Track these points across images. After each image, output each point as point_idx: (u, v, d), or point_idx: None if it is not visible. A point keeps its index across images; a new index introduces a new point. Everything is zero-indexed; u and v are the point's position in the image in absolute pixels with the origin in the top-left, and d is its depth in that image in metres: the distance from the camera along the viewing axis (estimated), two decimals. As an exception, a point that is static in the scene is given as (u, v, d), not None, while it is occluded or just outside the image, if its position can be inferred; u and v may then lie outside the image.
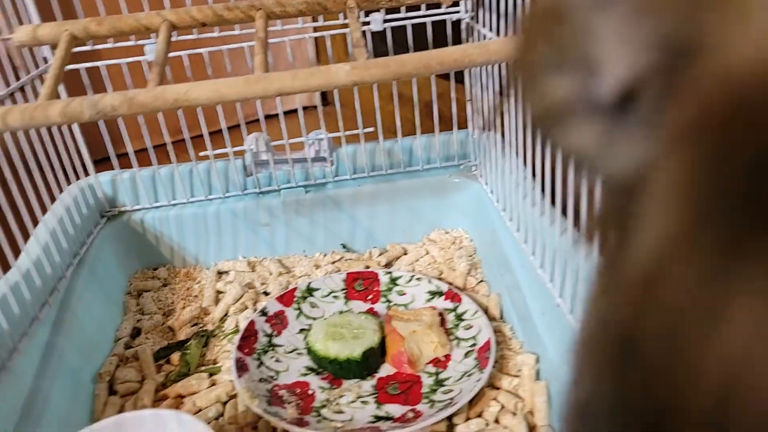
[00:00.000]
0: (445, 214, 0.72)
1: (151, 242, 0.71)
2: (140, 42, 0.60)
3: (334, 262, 0.70)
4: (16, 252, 0.52)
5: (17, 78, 0.55)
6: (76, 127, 0.64)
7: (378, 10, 0.57)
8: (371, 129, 0.67)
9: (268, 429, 0.48)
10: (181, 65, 0.61)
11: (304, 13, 0.52)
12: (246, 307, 0.64)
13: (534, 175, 0.58)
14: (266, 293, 0.66)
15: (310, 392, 0.51)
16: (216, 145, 0.66)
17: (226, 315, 0.64)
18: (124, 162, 0.67)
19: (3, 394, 0.44)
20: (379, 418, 0.47)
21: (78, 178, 0.65)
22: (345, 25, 0.62)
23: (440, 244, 0.71)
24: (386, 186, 0.70)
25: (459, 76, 0.66)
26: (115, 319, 0.63)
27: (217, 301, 0.66)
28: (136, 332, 0.62)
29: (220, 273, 0.70)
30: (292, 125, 0.67)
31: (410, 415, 0.47)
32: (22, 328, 0.49)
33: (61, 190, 0.63)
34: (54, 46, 0.57)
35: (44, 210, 0.59)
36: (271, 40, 0.63)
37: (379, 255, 0.71)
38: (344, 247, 0.72)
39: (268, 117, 0.67)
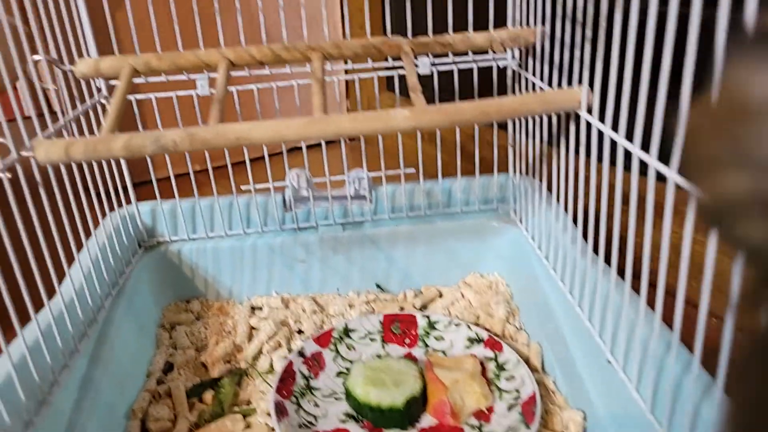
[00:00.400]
0: (482, 257, 0.71)
1: (186, 274, 0.70)
2: (192, 76, 0.61)
3: (368, 302, 0.69)
4: (60, 274, 0.52)
5: (47, 101, 0.56)
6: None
7: (428, 54, 0.57)
8: (412, 170, 0.67)
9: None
10: (230, 100, 0.62)
11: (359, 55, 0.53)
12: (280, 345, 0.63)
13: (576, 222, 0.57)
14: (300, 331, 0.65)
15: (349, 439, 0.49)
16: (257, 172, 0.66)
17: (259, 352, 0.63)
18: (165, 185, 0.67)
19: (43, 428, 0.43)
20: (422, 472, 0.46)
21: (120, 202, 0.65)
22: (374, 68, 0.62)
23: (476, 288, 0.70)
24: (424, 227, 0.70)
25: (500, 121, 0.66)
26: (148, 352, 0.63)
27: (250, 337, 0.65)
28: (168, 367, 0.62)
29: (253, 308, 0.70)
30: (333, 158, 0.67)
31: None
32: (62, 360, 0.49)
33: (103, 213, 0.63)
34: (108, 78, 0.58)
35: (87, 232, 0.58)
36: (300, 81, 0.64)
37: (414, 297, 0.70)
38: (379, 287, 0.71)
39: (309, 147, 0.67)
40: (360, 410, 0.51)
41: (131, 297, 0.63)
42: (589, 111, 0.44)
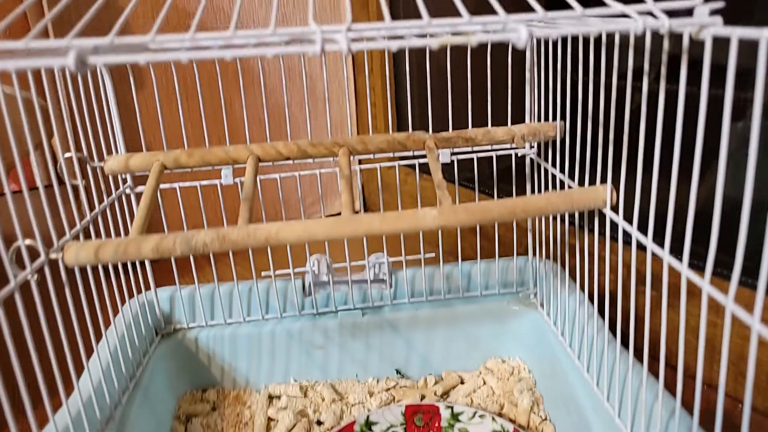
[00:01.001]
0: (503, 342, 0.70)
1: (203, 362, 0.69)
2: (217, 166, 0.62)
3: (388, 389, 0.68)
4: (78, 367, 0.51)
5: (75, 197, 0.57)
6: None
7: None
8: (432, 254, 0.68)
9: None
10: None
11: (384, 150, 0.54)
12: (299, 438, 0.62)
13: (602, 314, 0.57)
14: (319, 422, 0.64)
15: None
16: (277, 256, 0.66)
17: (278, 446, 0.61)
18: (183, 264, 0.67)
19: None
20: None
21: (138, 286, 0.64)
22: (390, 158, 0.64)
23: (498, 374, 0.68)
24: (444, 311, 0.70)
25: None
26: (164, 447, 0.61)
27: (268, 428, 0.64)
28: (185, 462, 0.60)
29: (271, 397, 0.68)
30: (353, 242, 0.68)
31: None
32: None
33: (122, 295, 0.62)
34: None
35: (105, 318, 0.57)
36: (323, 170, 0.65)
37: (435, 384, 0.68)
38: (398, 372, 0.70)
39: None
40: None
41: (147, 389, 0.61)
42: (614, 209, 0.45)
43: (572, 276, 0.63)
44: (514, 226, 0.67)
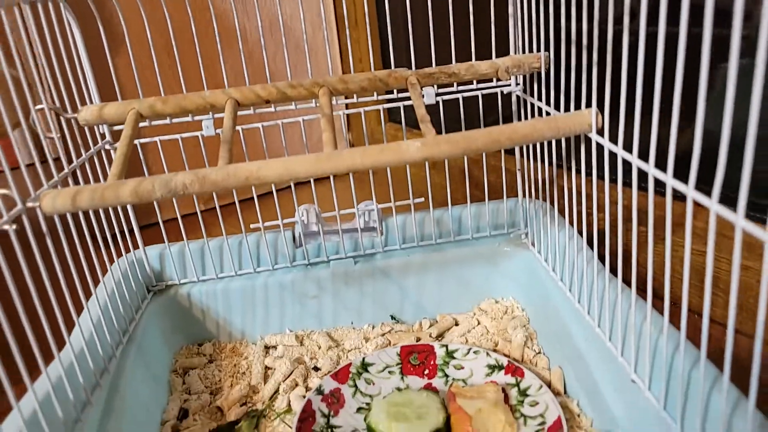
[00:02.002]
0: (496, 282, 0.70)
1: (197, 317, 0.70)
2: (198, 118, 0.61)
3: (383, 334, 0.68)
4: (69, 324, 0.50)
5: (51, 150, 0.56)
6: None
7: (432, 85, 0.58)
8: (421, 199, 0.67)
9: None
10: (237, 139, 0.62)
11: (365, 89, 0.53)
12: (297, 384, 0.62)
13: (591, 245, 0.57)
14: (316, 368, 0.64)
15: (376, 478, 0.48)
16: (266, 209, 0.66)
17: (276, 392, 0.62)
18: (172, 226, 0.67)
19: None
20: (452, 508, 0.44)
21: (127, 247, 0.64)
22: (377, 101, 0.63)
23: (491, 313, 0.69)
24: (436, 255, 0.70)
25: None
26: (162, 399, 0.61)
27: (266, 377, 0.64)
28: (183, 414, 0.60)
29: (267, 347, 0.69)
30: (341, 191, 0.67)
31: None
32: (75, 413, 0.48)
33: (110, 259, 0.62)
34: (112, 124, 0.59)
35: (95, 279, 0.57)
36: (306, 117, 0.64)
37: (430, 326, 0.69)
38: (393, 318, 0.71)
39: (317, 181, 0.67)
40: (384, 446, 0.50)
41: (141, 343, 0.62)
42: (600, 133, 0.45)
43: (561, 214, 0.63)
44: (503, 171, 0.67)
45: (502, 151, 0.66)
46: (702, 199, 0.33)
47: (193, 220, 0.67)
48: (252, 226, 0.67)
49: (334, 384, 0.58)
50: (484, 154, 0.66)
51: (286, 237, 0.69)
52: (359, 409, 0.56)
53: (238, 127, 0.62)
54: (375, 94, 0.59)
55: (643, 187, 0.41)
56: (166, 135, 0.63)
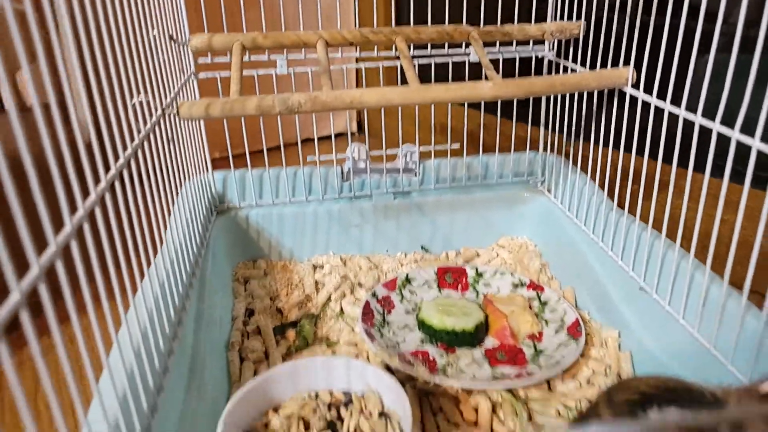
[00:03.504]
0: (514, 223, 0.82)
1: (252, 237, 0.79)
2: (273, 57, 0.69)
3: (415, 261, 0.79)
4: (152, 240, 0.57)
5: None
6: (203, 126, 0.73)
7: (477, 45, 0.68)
8: (457, 145, 0.78)
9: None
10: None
11: (435, 40, 0.63)
12: (344, 295, 0.72)
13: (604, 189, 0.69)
14: (360, 284, 0.75)
15: (431, 358, 0.59)
16: (323, 151, 0.75)
17: (328, 300, 0.72)
18: (240, 162, 0.76)
19: (177, 355, 0.50)
20: (495, 377, 0.56)
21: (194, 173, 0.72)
22: (383, 58, 0.72)
23: (509, 248, 0.80)
24: (464, 196, 0.80)
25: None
26: (230, 301, 0.70)
27: (317, 289, 0.74)
28: (249, 313, 0.70)
29: (314, 267, 0.78)
30: (390, 131, 0.77)
31: (524, 373, 0.55)
32: (180, 304, 0.55)
33: (180, 183, 0.70)
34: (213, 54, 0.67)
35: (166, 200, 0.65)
36: (347, 66, 0.73)
37: (456, 256, 0.80)
38: (423, 248, 0.81)
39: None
40: (435, 335, 0.61)
41: (214, 255, 0.70)
42: (635, 86, 0.56)
43: (575, 164, 0.75)
44: (529, 126, 0.78)
45: (530, 122, 0.77)
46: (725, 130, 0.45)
47: (259, 157, 0.75)
48: (309, 158, 0.76)
49: (385, 291, 0.68)
50: (513, 122, 0.77)
51: (336, 171, 0.78)
52: (406, 311, 0.67)
53: (291, 69, 0.71)
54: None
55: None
56: (243, 71, 0.71)
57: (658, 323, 0.56)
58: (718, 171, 0.45)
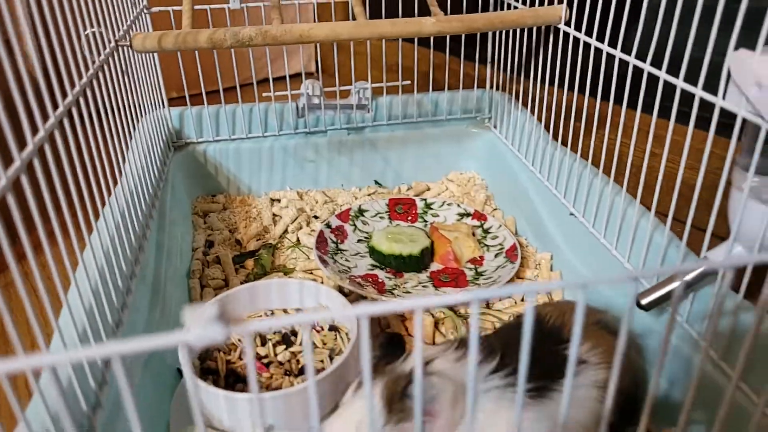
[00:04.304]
0: (462, 158, 0.86)
1: (210, 172, 0.81)
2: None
3: (369, 194, 0.83)
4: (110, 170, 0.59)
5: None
6: (157, 63, 0.73)
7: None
8: (408, 82, 0.81)
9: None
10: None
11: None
12: (301, 227, 0.76)
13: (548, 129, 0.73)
14: (316, 217, 0.78)
15: (380, 280, 0.64)
16: (277, 89, 0.77)
17: (285, 232, 0.75)
18: (196, 101, 0.77)
19: (140, 281, 0.54)
20: (438, 296, 0.61)
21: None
22: None
23: (457, 182, 0.85)
24: (415, 132, 0.84)
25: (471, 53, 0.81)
26: (190, 232, 0.73)
27: (274, 221, 0.77)
28: (209, 244, 0.73)
29: (272, 200, 0.82)
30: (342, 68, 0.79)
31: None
32: (140, 230, 0.58)
33: (136, 119, 0.71)
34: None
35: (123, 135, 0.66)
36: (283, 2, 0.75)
37: (408, 190, 0.84)
38: (377, 182, 0.85)
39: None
40: (384, 261, 0.66)
41: (173, 189, 0.73)
42: (568, 24, 0.59)
43: (519, 101, 0.79)
44: (476, 65, 0.81)
45: (477, 60, 0.80)
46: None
47: (215, 97, 0.76)
48: (264, 94, 0.78)
49: (339, 222, 0.72)
50: (462, 60, 0.79)
51: (292, 108, 0.80)
52: (359, 240, 0.71)
53: (261, 4, 0.72)
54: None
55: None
56: (196, 5, 0.72)
57: (585, 245, 0.62)
58: (649, 109, 0.50)
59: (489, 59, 0.82)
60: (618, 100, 0.54)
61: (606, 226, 0.58)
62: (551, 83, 0.66)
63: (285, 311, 0.55)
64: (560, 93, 0.66)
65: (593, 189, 0.61)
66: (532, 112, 0.74)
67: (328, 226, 0.71)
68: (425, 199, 0.77)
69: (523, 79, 0.75)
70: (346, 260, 0.67)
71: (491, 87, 0.84)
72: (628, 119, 0.53)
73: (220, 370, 0.49)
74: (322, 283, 0.65)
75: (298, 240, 0.74)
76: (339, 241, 0.70)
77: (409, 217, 0.76)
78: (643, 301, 0.45)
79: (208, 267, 0.69)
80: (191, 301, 0.64)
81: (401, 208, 0.76)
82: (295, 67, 0.76)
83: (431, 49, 0.78)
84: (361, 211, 0.75)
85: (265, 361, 0.50)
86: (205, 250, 0.72)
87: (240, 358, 0.50)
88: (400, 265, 0.65)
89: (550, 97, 0.69)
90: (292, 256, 0.71)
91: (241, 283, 0.67)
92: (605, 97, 0.56)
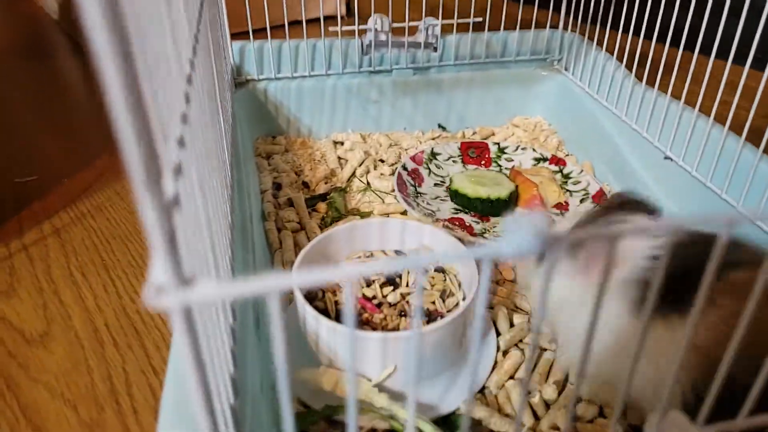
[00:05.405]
0: (528, 102, 0.83)
1: (271, 111, 0.77)
2: None
3: (434, 138, 0.80)
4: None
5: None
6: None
7: None
8: (480, 19, 0.76)
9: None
10: None
11: None
12: (368, 170, 0.73)
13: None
14: (382, 160, 0.75)
15: (467, 224, 0.61)
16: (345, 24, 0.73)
17: (353, 175, 0.72)
18: (261, 36, 0.72)
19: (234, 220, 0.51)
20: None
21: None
22: None
23: (523, 127, 0.82)
24: (481, 73, 0.80)
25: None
26: (256, 174, 0.70)
27: (340, 165, 0.74)
28: (276, 186, 0.70)
29: (334, 143, 0.78)
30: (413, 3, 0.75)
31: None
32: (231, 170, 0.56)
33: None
34: None
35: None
36: None
37: (473, 134, 0.81)
38: (441, 126, 0.82)
39: None
40: (470, 204, 0.63)
41: (241, 127, 0.69)
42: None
43: (594, 41, 0.75)
44: (551, 9, 0.77)
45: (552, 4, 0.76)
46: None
47: (280, 32, 0.72)
48: (330, 29, 0.74)
49: (414, 165, 0.69)
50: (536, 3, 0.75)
51: (356, 45, 0.76)
52: (435, 184, 0.68)
53: None
54: None
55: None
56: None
57: (684, 190, 0.59)
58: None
59: (564, 3, 0.77)
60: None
61: (714, 169, 0.56)
62: (634, 32, 0.63)
63: (384, 252, 0.53)
64: (635, 40, 0.63)
65: (697, 131, 0.58)
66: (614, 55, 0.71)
67: (405, 168, 0.68)
68: (498, 143, 0.74)
69: (599, 26, 0.72)
70: (428, 203, 0.65)
71: (564, 28, 0.80)
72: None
73: (330, 310, 0.47)
74: (402, 227, 0.63)
75: (368, 183, 0.71)
76: (417, 184, 0.68)
77: (483, 161, 0.73)
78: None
79: (281, 209, 0.66)
80: (269, 245, 0.61)
81: (474, 152, 0.73)
82: (330, 8, 0.71)
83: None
84: (434, 154, 0.72)
85: (375, 302, 0.48)
86: (275, 192, 0.69)
87: (346, 300, 0.48)
88: (486, 208, 0.63)
89: (631, 45, 0.66)
90: (364, 200, 0.68)
91: (318, 226, 0.64)
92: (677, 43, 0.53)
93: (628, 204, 0.45)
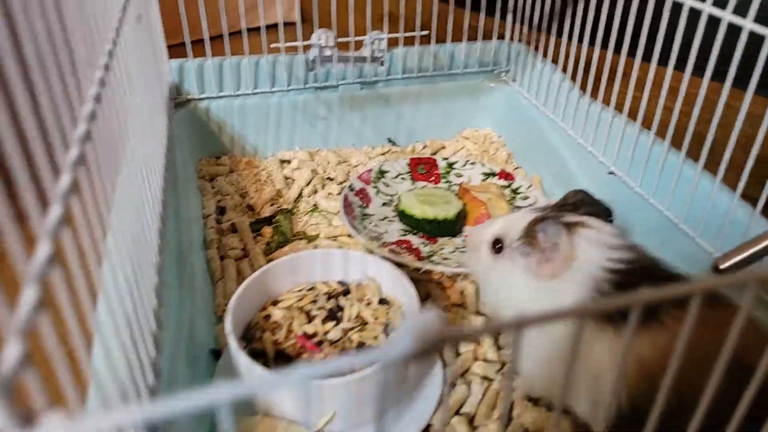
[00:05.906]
0: (477, 114, 0.82)
1: (213, 131, 0.75)
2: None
3: (383, 154, 0.79)
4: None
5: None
6: (156, 11, 0.66)
7: None
8: (426, 32, 0.75)
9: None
10: None
11: None
12: (316, 190, 0.71)
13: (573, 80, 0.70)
14: (330, 179, 0.74)
15: (414, 246, 0.60)
16: (288, 38, 0.71)
17: (300, 195, 0.71)
18: (198, 49, 0.70)
19: (165, 249, 0.49)
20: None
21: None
22: None
23: (473, 139, 0.81)
24: (429, 86, 0.79)
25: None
26: (198, 198, 0.68)
27: (287, 184, 0.72)
28: (220, 210, 0.68)
29: (281, 161, 0.76)
30: (357, 19, 0.73)
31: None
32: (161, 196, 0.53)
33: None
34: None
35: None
36: None
37: (423, 149, 0.80)
38: (390, 141, 0.81)
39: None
40: (417, 225, 0.62)
41: (181, 150, 0.67)
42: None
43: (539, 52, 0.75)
44: (497, 16, 0.76)
45: (497, 12, 0.75)
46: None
47: (219, 44, 0.69)
48: (272, 45, 0.71)
49: (361, 184, 0.68)
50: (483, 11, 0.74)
51: (301, 60, 0.74)
52: (383, 204, 0.67)
53: None
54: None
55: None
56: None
57: (628, 205, 0.59)
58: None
59: (510, 11, 0.77)
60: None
61: (657, 186, 0.56)
62: (578, 39, 0.63)
63: (326, 284, 0.51)
64: (579, 48, 0.63)
65: (640, 146, 0.58)
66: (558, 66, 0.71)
67: (351, 188, 0.67)
68: (446, 159, 0.73)
69: (544, 34, 0.72)
70: (375, 225, 0.63)
71: (510, 39, 0.80)
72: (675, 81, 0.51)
73: (268, 351, 0.45)
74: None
75: (315, 204, 0.69)
76: (365, 204, 0.66)
77: (432, 178, 0.72)
78: (722, 266, 0.43)
79: (224, 235, 0.64)
80: (211, 275, 0.59)
81: (423, 168, 0.72)
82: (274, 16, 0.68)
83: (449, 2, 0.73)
84: (381, 173, 0.71)
85: (316, 339, 0.46)
86: (218, 217, 0.66)
87: (287, 337, 0.47)
88: (434, 229, 0.62)
89: (569, 51, 0.66)
90: (311, 222, 0.67)
91: (263, 252, 0.62)
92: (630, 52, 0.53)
93: (583, 204, 0.45)
